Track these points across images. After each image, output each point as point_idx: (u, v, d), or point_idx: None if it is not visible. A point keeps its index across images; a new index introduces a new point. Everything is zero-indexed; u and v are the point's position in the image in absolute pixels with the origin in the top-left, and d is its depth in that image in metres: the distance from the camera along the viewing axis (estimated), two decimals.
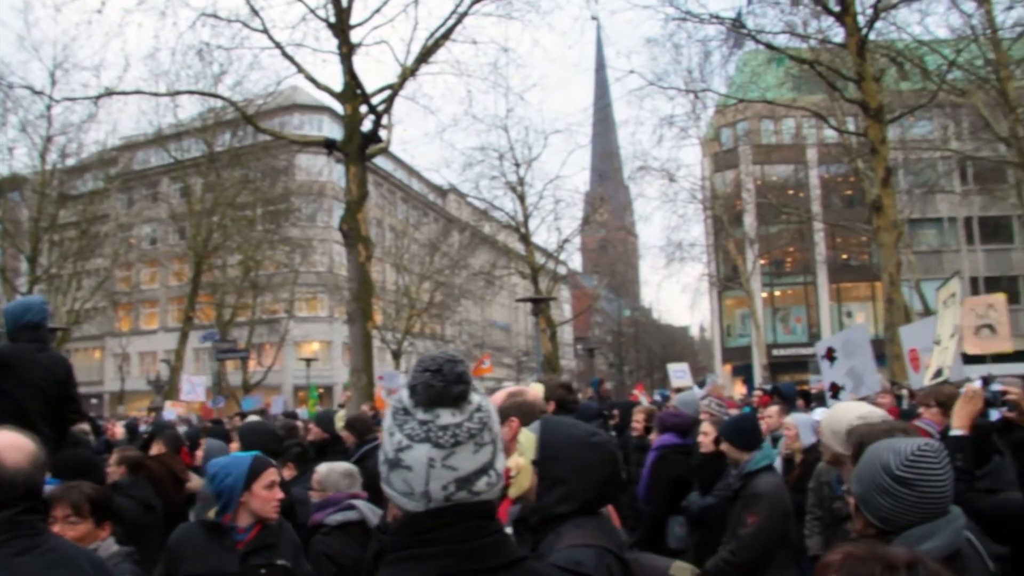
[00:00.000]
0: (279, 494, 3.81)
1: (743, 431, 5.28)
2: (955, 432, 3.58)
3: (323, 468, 4.82)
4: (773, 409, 7.72)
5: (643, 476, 6.55)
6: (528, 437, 2.46)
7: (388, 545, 1.65)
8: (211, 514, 3.83)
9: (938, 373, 7.47)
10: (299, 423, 11.24)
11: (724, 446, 5.24)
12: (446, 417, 1.62)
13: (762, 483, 5.01)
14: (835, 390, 7.51)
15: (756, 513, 4.83)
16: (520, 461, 2.44)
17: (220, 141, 33.09)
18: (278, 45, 18.97)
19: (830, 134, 35.71)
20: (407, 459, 1.60)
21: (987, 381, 5.60)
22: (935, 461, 2.44)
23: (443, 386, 1.62)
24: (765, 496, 4.91)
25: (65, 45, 50.35)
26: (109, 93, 21.67)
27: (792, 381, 25.32)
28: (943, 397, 5.76)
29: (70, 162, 32.68)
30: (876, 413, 3.72)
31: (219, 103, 26.38)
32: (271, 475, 3.80)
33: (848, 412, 3.76)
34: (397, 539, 1.63)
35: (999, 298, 8.07)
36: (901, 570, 1.46)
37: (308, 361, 41.67)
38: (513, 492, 2.47)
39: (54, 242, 33.54)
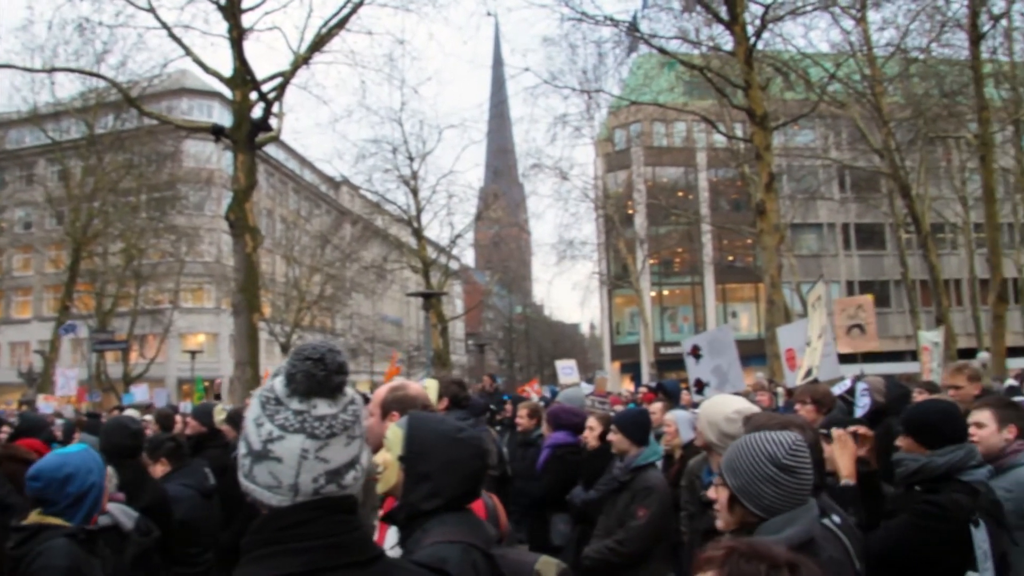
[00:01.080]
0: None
1: (638, 424, 5.41)
2: (845, 483, 3.62)
3: None
4: (657, 406, 7.84)
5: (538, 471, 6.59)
6: (395, 432, 2.44)
7: (247, 542, 1.58)
8: (47, 520, 3.30)
9: (808, 373, 7.79)
10: (178, 416, 10.87)
11: (616, 437, 5.31)
12: (323, 408, 1.59)
13: (652, 477, 5.17)
14: (700, 386, 7.72)
15: (647, 506, 4.97)
16: (387, 456, 2.42)
17: (102, 123, 31.76)
18: (165, 25, 18.40)
19: (719, 139, 36.73)
20: (278, 450, 1.55)
21: (857, 379, 5.87)
22: (808, 451, 2.65)
23: (324, 375, 1.59)
24: (656, 490, 5.07)
25: None
26: None
27: (678, 379, 25.95)
28: (817, 395, 6.03)
29: None
30: (752, 409, 3.87)
31: (101, 83, 25.32)
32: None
33: (726, 405, 3.91)
34: (258, 535, 1.57)
35: (867, 299, 8.50)
36: (783, 569, 1.47)
37: (193, 353, 40.49)
38: (380, 488, 2.44)
39: None
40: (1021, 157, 29.42)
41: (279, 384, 1.60)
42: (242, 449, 1.60)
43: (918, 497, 3.64)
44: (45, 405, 19.15)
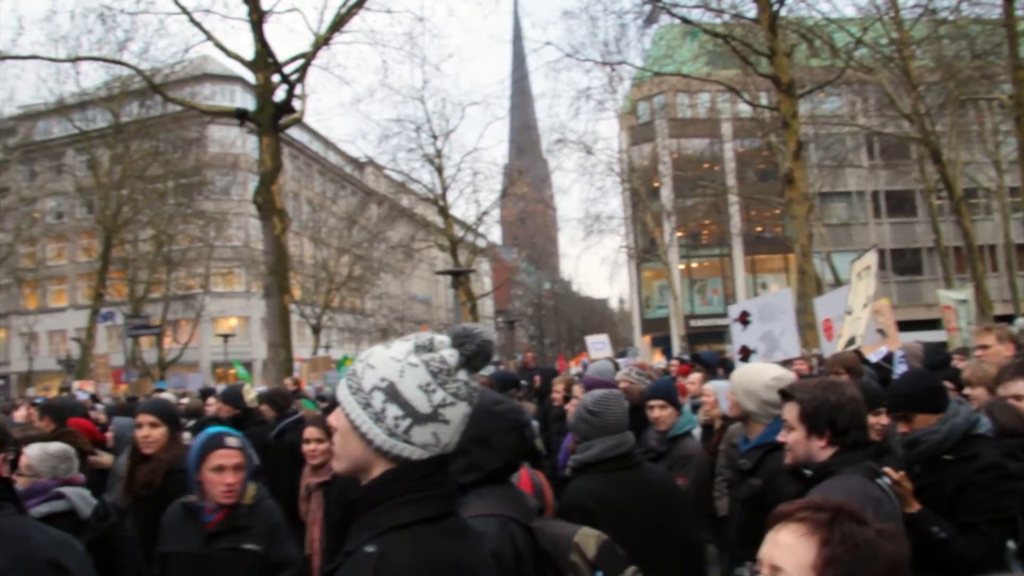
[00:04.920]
0: (229, 478, 3.66)
1: (675, 392, 5.48)
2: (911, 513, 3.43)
3: (34, 450, 4.12)
4: (695, 376, 7.81)
5: (564, 445, 6.59)
6: None
7: (378, 492, 1.74)
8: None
9: (851, 341, 7.69)
10: (211, 400, 10.95)
11: (665, 411, 5.27)
12: (473, 380, 1.83)
13: (689, 446, 5.22)
14: (745, 354, 7.59)
15: (686, 475, 4.97)
16: None
17: (127, 111, 31.98)
18: (185, 10, 18.44)
19: (744, 108, 36.33)
20: (448, 415, 1.76)
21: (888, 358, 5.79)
22: (614, 401, 3.78)
23: (490, 354, 1.84)
24: (694, 458, 5.13)
25: None
26: (2, 57, 20.79)
27: (710, 350, 25.90)
28: (848, 363, 5.99)
29: None
30: (789, 376, 3.83)
31: (125, 71, 25.48)
32: (218, 457, 3.68)
33: (763, 373, 3.90)
34: (392, 485, 1.73)
35: (884, 304, 8.42)
36: (897, 538, 1.47)
37: (226, 337, 40.89)
38: None
39: None
40: None
41: (449, 356, 1.79)
42: (397, 411, 1.74)
43: (966, 467, 3.52)
44: (81, 391, 19.48)
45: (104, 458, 5.97)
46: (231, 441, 3.75)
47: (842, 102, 37.23)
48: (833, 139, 36.32)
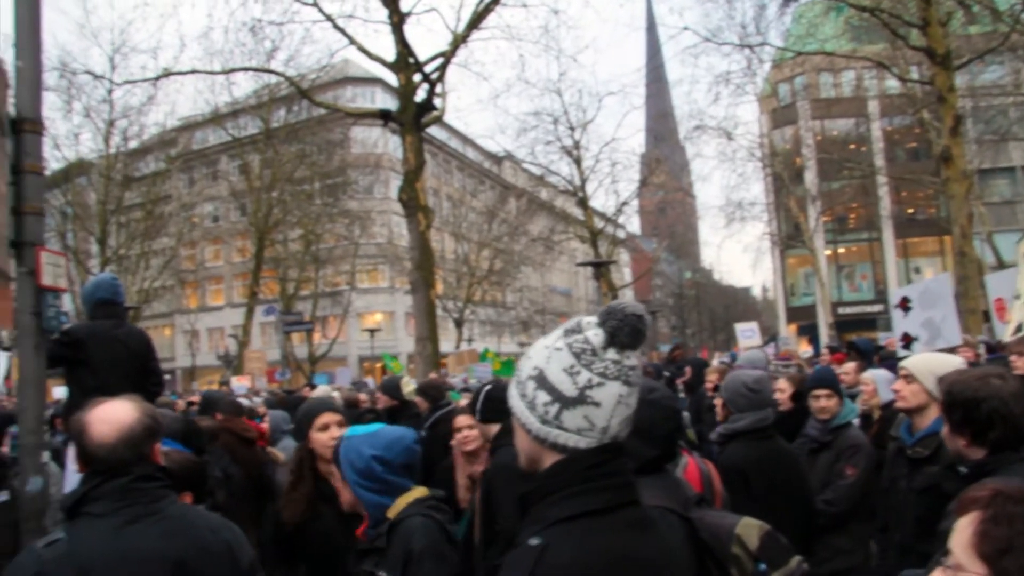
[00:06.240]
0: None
1: (834, 379, 5.35)
2: None
3: None
4: (850, 365, 7.54)
5: None
6: None
7: (545, 485, 1.70)
8: None
9: (1018, 328, 7.24)
10: (362, 395, 11.30)
11: (830, 402, 5.14)
12: (631, 359, 1.74)
13: (856, 436, 5.11)
14: (907, 341, 7.26)
15: (855, 464, 4.91)
16: None
17: (276, 117, 33.48)
18: (329, 17, 19.06)
19: (893, 84, 34.70)
20: (597, 396, 1.68)
21: None
22: (767, 382, 4.56)
23: (643, 331, 1.74)
24: (863, 448, 5.01)
25: (122, 30, 51.17)
26: (167, 74, 22.04)
27: (863, 338, 24.87)
28: None
29: (132, 145, 33.38)
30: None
31: (273, 79, 26.66)
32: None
33: (949, 360, 3.86)
34: (560, 476, 1.69)
35: None
36: None
37: (372, 332, 42.09)
38: None
39: (121, 224, 34.34)
40: None
41: (593, 336, 1.73)
42: (545, 397, 1.71)
43: None
44: (238, 385, 20.49)
45: (278, 454, 6.21)
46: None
47: (1005, 71, 34.93)
48: (994, 111, 34.16)
